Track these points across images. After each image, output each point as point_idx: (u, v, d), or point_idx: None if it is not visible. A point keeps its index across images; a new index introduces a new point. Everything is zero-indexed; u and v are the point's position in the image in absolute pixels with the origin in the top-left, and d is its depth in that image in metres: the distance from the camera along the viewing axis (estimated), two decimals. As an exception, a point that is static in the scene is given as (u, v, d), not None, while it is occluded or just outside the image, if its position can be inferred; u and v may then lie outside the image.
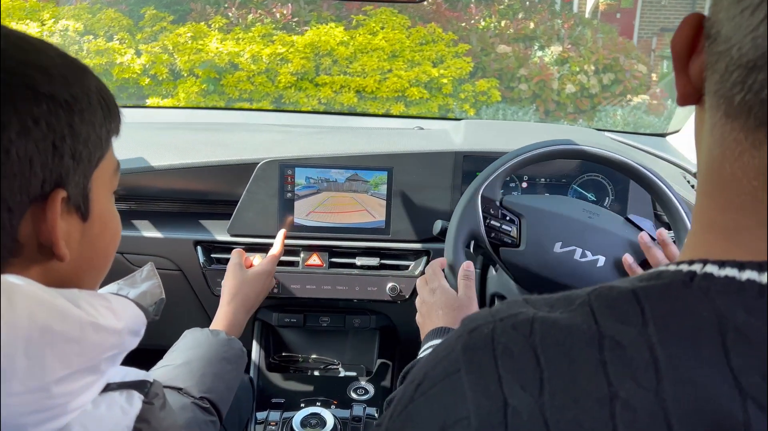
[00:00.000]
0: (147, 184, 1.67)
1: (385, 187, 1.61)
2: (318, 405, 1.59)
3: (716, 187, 0.47)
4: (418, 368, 0.54)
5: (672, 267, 0.47)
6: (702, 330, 0.42)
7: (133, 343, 0.69)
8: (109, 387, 0.68)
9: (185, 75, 6.26)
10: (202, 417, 1.16)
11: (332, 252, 1.66)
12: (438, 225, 1.43)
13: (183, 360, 1.23)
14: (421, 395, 0.50)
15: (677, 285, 0.44)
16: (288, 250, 1.63)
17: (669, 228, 1.44)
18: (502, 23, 7.60)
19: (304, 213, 1.62)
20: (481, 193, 1.34)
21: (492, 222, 1.34)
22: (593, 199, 1.66)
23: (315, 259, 1.64)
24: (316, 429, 1.50)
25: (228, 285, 1.45)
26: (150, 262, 0.91)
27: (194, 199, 1.73)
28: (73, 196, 0.66)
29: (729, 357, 0.40)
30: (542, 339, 0.46)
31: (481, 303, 1.59)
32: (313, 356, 1.79)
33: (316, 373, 1.76)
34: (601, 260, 1.30)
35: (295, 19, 6.93)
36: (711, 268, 0.44)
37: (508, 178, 1.59)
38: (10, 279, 0.58)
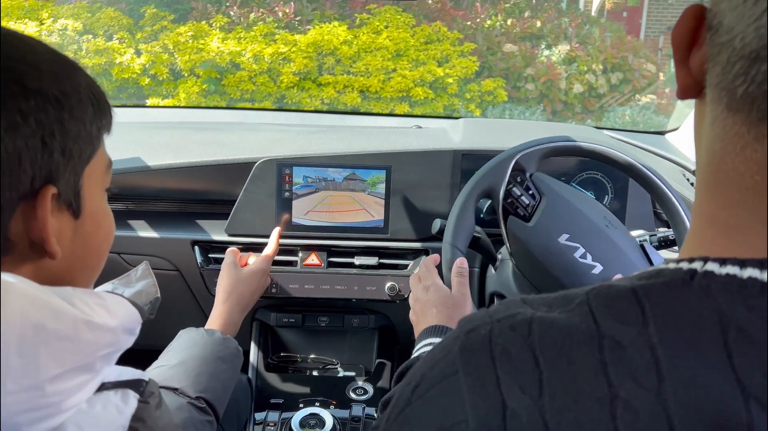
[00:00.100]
0: (144, 184, 1.69)
1: (383, 185, 1.62)
2: (317, 406, 1.59)
3: (717, 182, 0.47)
4: (415, 370, 0.54)
5: (672, 265, 0.46)
6: (703, 329, 0.41)
7: (128, 342, 0.70)
8: (104, 387, 0.68)
9: (186, 75, 6.25)
10: (198, 417, 1.16)
11: (330, 251, 1.67)
12: (437, 224, 1.44)
13: (178, 360, 1.24)
14: (418, 398, 0.50)
15: (677, 284, 0.44)
16: (286, 250, 1.65)
17: (668, 226, 1.45)
18: (509, 22, 7.58)
19: (303, 212, 1.63)
20: (517, 158, 1.36)
21: (514, 189, 1.36)
22: (592, 197, 1.67)
23: (313, 259, 1.65)
24: (315, 430, 1.51)
25: (223, 285, 1.46)
26: (145, 261, 0.92)
27: (192, 198, 1.74)
28: (63, 192, 0.66)
29: (731, 357, 0.40)
30: (541, 339, 0.45)
31: (480, 302, 1.61)
32: (312, 356, 1.80)
33: (315, 373, 1.77)
34: (599, 268, 1.31)
35: (298, 18, 6.93)
36: (712, 266, 0.44)
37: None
38: (4, 277, 0.59)
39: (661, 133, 2.20)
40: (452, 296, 1.26)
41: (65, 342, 0.60)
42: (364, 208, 1.64)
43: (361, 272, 1.65)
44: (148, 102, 6.01)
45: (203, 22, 6.65)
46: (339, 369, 1.79)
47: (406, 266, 1.66)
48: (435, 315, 1.22)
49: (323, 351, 1.81)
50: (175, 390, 1.17)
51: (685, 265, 0.45)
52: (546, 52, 7.32)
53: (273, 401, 1.63)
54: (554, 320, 0.46)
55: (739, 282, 0.42)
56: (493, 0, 7.87)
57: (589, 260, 1.31)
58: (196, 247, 1.64)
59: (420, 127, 1.97)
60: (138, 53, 6.36)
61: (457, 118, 2.08)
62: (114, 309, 0.67)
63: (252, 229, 1.63)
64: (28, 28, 6.17)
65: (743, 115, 0.43)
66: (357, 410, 1.59)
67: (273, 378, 1.72)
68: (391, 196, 1.63)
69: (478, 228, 1.43)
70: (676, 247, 1.48)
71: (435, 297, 1.26)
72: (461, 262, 1.30)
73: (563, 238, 1.32)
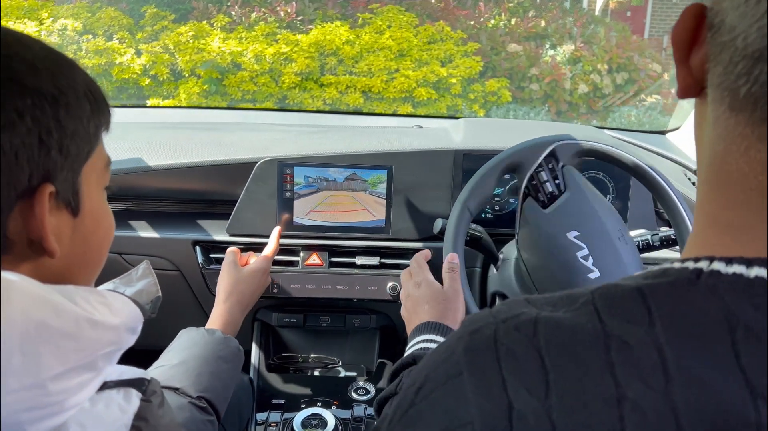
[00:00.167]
0: (145, 184, 1.70)
1: (384, 185, 1.63)
2: (319, 406, 1.60)
3: (720, 182, 0.47)
4: (418, 371, 0.54)
5: (677, 265, 0.46)
6: (710, 329, 0.42)
7: (130, 341, 0.70)
8: (106, 386, 0.68)
9: (186, 75, 6.23)
10: (199, 416, 1.17)
11: (332, 251, 1.67)
12: (438, 223, 1.45)
13: (179, 359, 1.24)
14: (422, 399, 0.50)
15: (683, 283, 0.44)
16: (287, 250, 1.66)
17: (669, 226, 1.46)
18: (513, 21, 7.56)
19: (304, 212, 1.64)
20: (555, 145, 1.39)
21: (542, 173, 1.38)
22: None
23: (315, 259, 1.66)
24: (317, 430, 1.52)
25: (223, 284, 1.47)
26: (146, 260, 0.92)
27: (193, 198, 1.75)
28: (61, 190, 0.66)
29: (739, 356, 0.40)
30: (546, 340, 0.45)
31: (482, 301, 1.61)
32: (313, 356, 1.81)
33: (317, 374, 1.78)
34: (596, 274, 1.32)
35: (300, 18, 6.92)
36: (718, 265, 0.44)
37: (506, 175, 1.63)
38: (5, 275, 0.59)
39: (662, 133, 2.21)
40: (444, 291, 1.27)
41: (67, 340, 0.60)
42: (366, 207, 1.65)
43: (363, 272, 1.66)
44: (149, 102, 5.99)
45: (204, 22, 6.64)
46: (340, 369, 1.79)
47: (407, 266, 1.66)
48: (428, 311, 1.23)
49: (325, 352, 1.82)
50: (176, 389, 1.17)
51: (690, 265, 0.45)
52: (550, 52, 7.30)
53: (275, 401, 1.64)
54: (559, 320, 0.46)
55: (745, 282, 0.42)
56: (497, -1, 7.87)
57: (589, 263, 1.32)
58: (198, 247, 1.65)
59: (421, 127, 1.98)
60: (138, 53, 6.34)
61: (458, 118, 2.09)
62: (116, 308, 0.68)
63: (253, 229, 1.64)
64: (28, 27, 6.17)
65: (746, 115, 0.44)
66: (359, 410, 1.60)
67: (274, 379, 1.73)
68: (392, 196, 1.64)
69: (479, 228, 1.45)
70: (677, 247, 1.49)
71: (427, 292, 1.26)
72: (452, 257, 1.31)
73: (572, 234, 1.34)
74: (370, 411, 1.61)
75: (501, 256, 1.52)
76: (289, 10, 6.86)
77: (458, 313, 1.25)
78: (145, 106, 4.40)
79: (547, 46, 7.37)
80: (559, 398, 0.42)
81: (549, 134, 1.42)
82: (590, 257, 1.32)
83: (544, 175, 1.38)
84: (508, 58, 7.07)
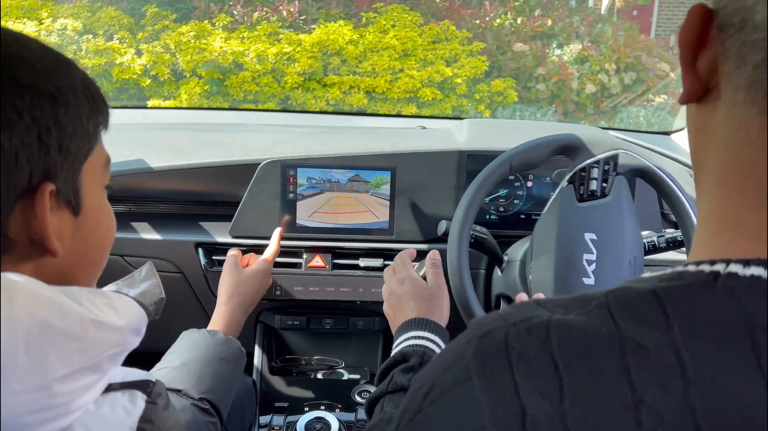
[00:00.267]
0: (147, 186, 1.70)
1: (387, 187, 1.63)
2: (322, 409, 1.60)
3: (744, 186, 0.46)
4: (424, 375, 0.53)
5: (692, 268, 0.46)
6: (729, 332, 0.41)
7: (135, 342, 0.70)
8: (111, 388, 0.68)
9: (188, 75, 6.24)
10: (202, 418, 1.17)
11: (335, 253, 1.68)
12: (443, 225, 1.46)
13: (181, 361, 1.25)
14: (430, 404, 0.49)
15: (700, 286, 0.44)
16: (290, 252, 1.66)
17: (676, 227, 1.47)
18: (519, 20, 7.55)
19: (307, 214, 1.65)
20: (619, 151, 1.41)
21: (595, 169, 1.40)
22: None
23: (318, 261, 1.66)
24: (320, 434, 1.52)
25: (224, 285, 1.48)
26: (149, 262, 0.92)
27: (195, 200, 1.76)
28: (62, 189, 0.67)
29: (759, 359, 0.40)
30: (559, 343, 0.45)
31: (486, 303, 1.62)
32: (316, 358, 1.82)
33: (320, 376, 1.79)
34: (591, 280, 1.34)
35: (303, 17, 6.94)
36: (735, 268, 0.43)
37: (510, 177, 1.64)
38: (9, 276, 0.59)
39: (667, 133, 2.21)
40: (428, 287, 1.27)
41: (72, 341, 0.61)
42: (369, 209, 1.65)
43: (366, 274, 1.67)
44: (150, 103, 6.00)
45: (206, 22, 6.66)
46: (344, 371, 1.80)
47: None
48: (414, 308, 1.23)
49: (328, 354, 1.82)
50: (178, 391, 1.18)
51: (706, 267, 0.45)
52: (557, 52, 7.30)
53: (278, 404, 1.64)
54: (572, 323, 0.46)
55: (764, 284, 0.42)
56: (503, -2, 7.87)
57: (590, 269, 1.34)
58: (200, 249, 1.66)
59: (424, 128, 1.99)
60: (139, 53, 6.36)
61: (463, 119, 2.09)
62: (121, 309, 0.68)
63: (256, 231, 1.65)
64: (28, 27, 6.19)
65: None
66: (362, 413, 1.60)
67: (277, 381, 1.73)
68: (396, 197, 1.64)
69: (484, 230, 1.46)
70: (683, 248, 1.51)
71: (411, 289, 1.26)
72: (434, 254, 1.33)
73: (589, 236, 1.36)
74: (374, 414, 1.61)
75: (505, 258, 1.53)
76: (291, 10, 6.88)
77: (444, 309, 1.26)
78: (145, 107, 4.41)
79: (554, 45, 7.37)
80: (573, 403, 0.42)
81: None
82: (594, 264, 1.34)
83: (595, 172, 1.39)
84: (514, 57, 7.07)
